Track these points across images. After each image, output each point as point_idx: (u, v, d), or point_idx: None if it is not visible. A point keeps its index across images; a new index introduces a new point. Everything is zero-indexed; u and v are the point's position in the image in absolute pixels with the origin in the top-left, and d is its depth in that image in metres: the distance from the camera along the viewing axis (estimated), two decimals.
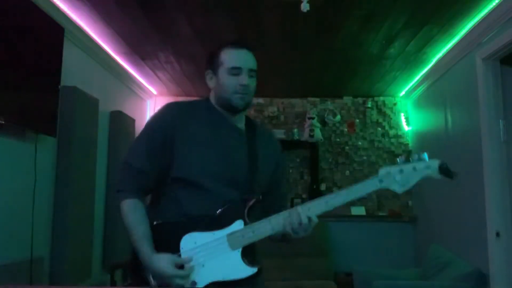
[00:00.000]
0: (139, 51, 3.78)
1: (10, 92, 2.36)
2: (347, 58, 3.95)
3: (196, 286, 1.36)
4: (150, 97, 5.16)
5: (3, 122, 2.26)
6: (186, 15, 3.08)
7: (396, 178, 1.37)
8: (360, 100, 5.23)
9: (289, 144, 4.96)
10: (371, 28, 3.27)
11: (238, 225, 1.40)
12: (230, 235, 1.39)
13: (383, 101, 5.20)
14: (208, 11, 3.02)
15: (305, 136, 5.05)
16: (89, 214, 3.32)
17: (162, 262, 1.34)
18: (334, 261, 4.73)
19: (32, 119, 2.57)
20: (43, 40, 2.67)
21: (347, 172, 5.13)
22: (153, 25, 3.23)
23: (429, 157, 1.38)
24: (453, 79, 3.75)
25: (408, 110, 5.13)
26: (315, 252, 4.59)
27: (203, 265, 1.38)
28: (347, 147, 5.17)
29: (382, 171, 1.38)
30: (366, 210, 4.99)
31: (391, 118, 5.18)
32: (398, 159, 1.40)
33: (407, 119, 5.11)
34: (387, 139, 5.14)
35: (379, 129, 5.18)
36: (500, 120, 2.99)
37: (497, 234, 2.91)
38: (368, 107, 5.20)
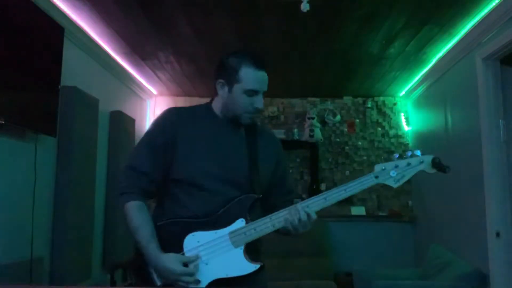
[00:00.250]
0: (139, 51, 3.78)
1: (10, 92, 2.36)
2: (347, 58, 3.95)
3: (200, 284, 1.39)
4: (150, 97, 5.16)
5: (3, 122, 2.26)
6: (186, 15, 3.08)
7: (391, 173, 1.44)
8: (360, 100, 5.23)
9: (289, 144, 4.96)
10: (371, 28, 3.27)
11: (239, 223, 1.44)
12: (232, 233, 1.43)
13: (383, 101, 5.20)
14: (208, 11, 3.02)
15: (305, 136, 5.05)
16: (89, 214, 3.32)
17: (170, 261, 1.37)
18: (334, 261, 4.73)
19: (32, 119, 2.57)
20: (43, 40, 2.67)
21: (347, 172, 5.13)
22: (153, 25, 3.23)
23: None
24: (453, 79, 3.75)
25: (408, 110, 5.13)
26: (315, 252, 4.59)
27: (206, 263, 1.42)
28: (347, 147, 5.17)
29: (378, 167, 1.46)
30: (366, 210, 4.99)
31: (391, 118, 5.18)
32: (393, 155, 1.47)
33: (407, 119, 5.11)
34: (387, 139, 5.14)
35: (379, 129, 5.18)
36: (500, 120, 3.00)
37: (497, 234, 2.91)
38: (368, 107, 5.20)
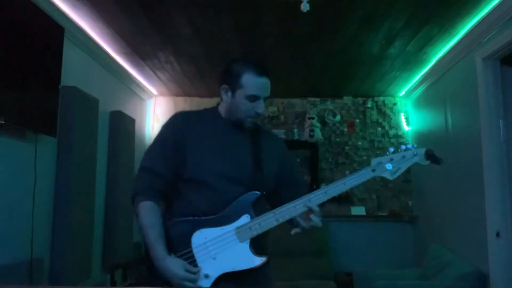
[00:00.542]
0: (139, 51, 3.78)
1: (10, 92, 2.36)
2: (347, 58, 3.95)
3: (209, 278, 1.47)
4: (150, 97, 5.16)
5: (3, 122, 2.26)
6: (186, 15, 3.08)
7: (387, 166, 1.52)
8: (360, 100, 5.23)
9: (289, 144, 4.83)
10: (371, 28, 3.27)
11: (245, 219, 1.52)
12: (238, 228, 1.51)
13: (383, 101, 5.20)
14: (208, 11, 3.02)
15: (305, 136, 5.05)
16: (89, 214, 3.32)
17: (174, 265, 1.45)
18: (334, 261, 4.73)
19: (32, 119, 2.57)
20: (43, 40, 2.67)
21: (347, 172, 5.12)
22: (153, 25, 3.23)
23: None
24: (453, 79, 3.75)
25: (408, 110, 5.13)
26: (315, 252, 4.59)
27: (214, 258, 1.49)
28: (347, 147, 5.17)
29: (374, 161, 1.54)
30: (366, 210, 4.99)
31: (391, 118, 5.18)
32: (388, 150, 1.56)
33: (407, 119, 5.11)
34: (387, 139, 5.14)
35: (379, 129, 5.18)
36: (500, 120, 2.99)
37: (497, 234, 2.91)
38: (368, 107, 5.20)
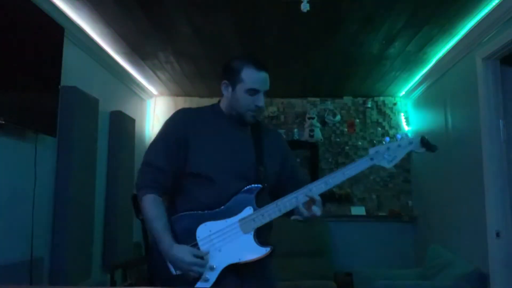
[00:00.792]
0: (139, 51, 3.78)
1: (10, 92, 2.36)
2: (347, 58, 3.95)
3: (215, 270, 1.51)
4: (150, 97, 5.16)
5: (3, 122, 2.26)
6: (186, 15, 3.08)
7: (384, 155, 1.57)
8: (360, 100, 5.23)
9: (289, 144, 4.78)
10: (371, 28, 3.27)
11: (248, 211, 1.57)
12: (241, 220, 1.55)
13: (383, 101, 5.20)
14: (208, 11, 3.02)
15: (305, 136, 5.05)
16: (89, 214, 3.32)
17: (182, 251, 1.49)
18: (334, 261, 4.73)
19: (32, 119, 2.57)
20: (43, 40, 2.67)
21: None
22: (153, 25, 3.23)
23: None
24: (453, 79, 3.75)
25: (408, 110, 5.13)
26: (315, 252, 4.59)
27: (219, 250, 1.53)
28: (347, 147, 5.17)
29: (372, 150, 1.58)
30: (366, 210, 4.99)
31: (391, 118, 5.18)
32: (384, 139, 1.61)
33: (407, 119, 5.11)
34: None
35: (379, 129, 5.18)
36: (500, 120, 2.99)
37: (497, 234, 2.91)
38: (368, 107, 5.20)
